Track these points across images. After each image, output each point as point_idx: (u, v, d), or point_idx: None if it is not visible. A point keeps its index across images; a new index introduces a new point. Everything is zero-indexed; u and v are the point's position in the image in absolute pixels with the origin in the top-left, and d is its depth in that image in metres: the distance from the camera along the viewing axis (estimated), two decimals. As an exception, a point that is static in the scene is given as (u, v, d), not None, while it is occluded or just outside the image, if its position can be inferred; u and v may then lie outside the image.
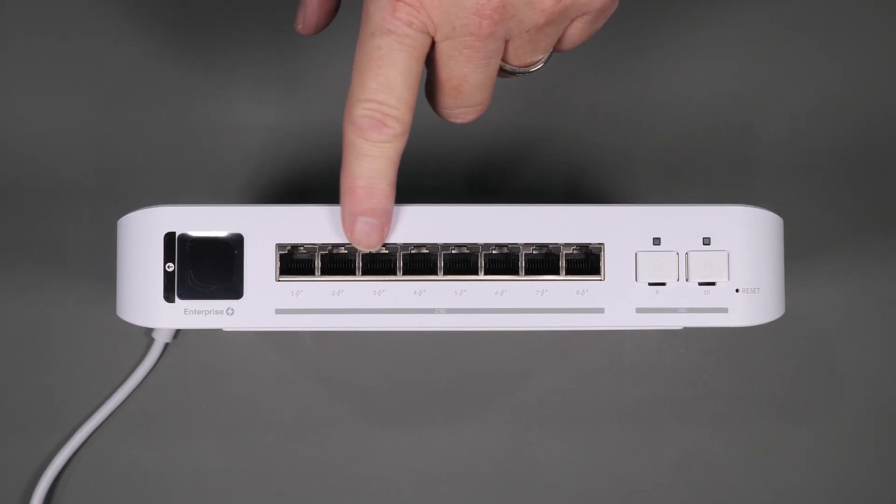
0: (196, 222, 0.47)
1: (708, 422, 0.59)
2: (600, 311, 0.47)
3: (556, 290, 0.47)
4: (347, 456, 0.59)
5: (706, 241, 0.47)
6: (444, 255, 0.47)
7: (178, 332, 0.59)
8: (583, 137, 0.60)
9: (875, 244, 0.60)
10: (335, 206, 0.47)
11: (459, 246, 0.47)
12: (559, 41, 0.45)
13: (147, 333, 0.59)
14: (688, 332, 0.59)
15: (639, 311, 0.47)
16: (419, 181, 0.60)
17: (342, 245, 0.47)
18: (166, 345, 0.59)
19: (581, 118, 0.60)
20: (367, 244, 0.46)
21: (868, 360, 0.60)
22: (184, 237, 0.47)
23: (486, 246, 0.47)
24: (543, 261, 0.47)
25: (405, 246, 0.47)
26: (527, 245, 0.47)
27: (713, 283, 0.47)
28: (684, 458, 0.59)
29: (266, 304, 0.47)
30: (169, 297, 0.47)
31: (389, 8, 0.42)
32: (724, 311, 0.47)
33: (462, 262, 0.47)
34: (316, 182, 0.60)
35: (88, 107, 0.60)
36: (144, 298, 0.47)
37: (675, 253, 0.47)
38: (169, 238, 0.47)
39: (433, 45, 0.43)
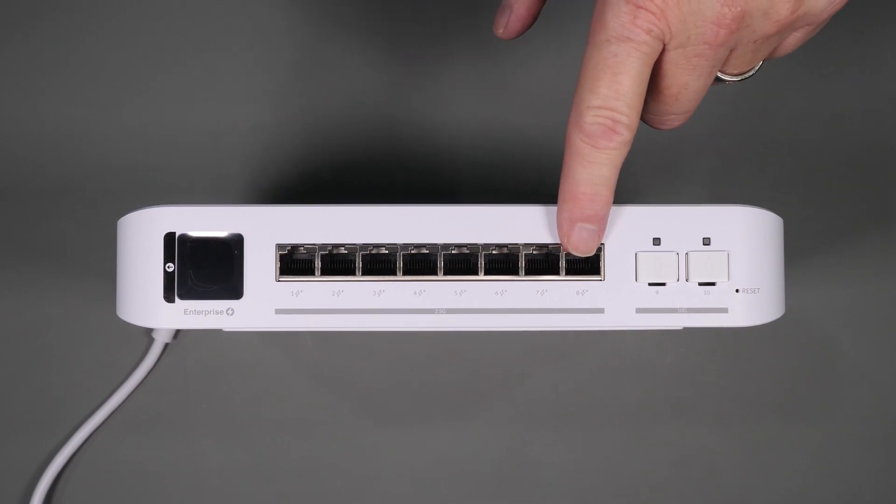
0: (196, 222, 0.47)
1: (708, 421, 0.59)
2: (600, 311, 0.47)
3: (556, 290, 0.47)
4: (347, 455, 0.59)
5: (706, 242, 0.47)
6: (444, 255, 0.47)
7: (178, 332, 0.59)
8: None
9: (875, 244, 0.60)
10: (335, 206, 0.47)
11: (459, 246, 0.47)
12: (774, 49, 0.45)
13: (147, 333, 0.59)
14: (688, 331, 0.59)
15: (639, 311, 0.47)
16: (419, 181, 0.60)
17: (342, 245, 0.47)
18: (166, 345, 0.59)
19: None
20: (584, 250, 0.45)
21: (868, 360, 0.60)
22: (184, 237, 0.47)
23: (486, 246, 0.47)
24: (543, 261, 0.47)
25: (405, 246, 0.47)
26: (527, 245, 0.47)
27: (713, 284, 0.47)
28: (684, 458, 0.59)
29: (266, 304, 0.47)
30: (169, 297, 0.47)
31: (629, 15, 0.41)
32: (724, 311, 0.47)
33: (462, 262, 0.47)
34: (317, 182, 0.60)
35: (88, 106, 0.60)
36: (144, 298, 0.47)
37: (675, 253, 0.47)
38: (169, 238, 0.47)
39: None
